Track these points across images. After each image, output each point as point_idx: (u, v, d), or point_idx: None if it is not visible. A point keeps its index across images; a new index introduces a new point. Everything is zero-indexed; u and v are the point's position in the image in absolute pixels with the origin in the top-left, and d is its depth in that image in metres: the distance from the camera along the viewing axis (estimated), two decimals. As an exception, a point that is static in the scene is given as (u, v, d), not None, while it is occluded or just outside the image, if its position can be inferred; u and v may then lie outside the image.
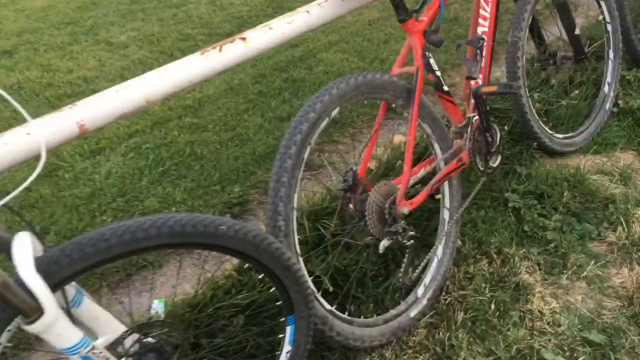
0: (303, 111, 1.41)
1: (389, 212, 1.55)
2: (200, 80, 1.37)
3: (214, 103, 2.71)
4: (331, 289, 1.61)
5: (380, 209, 1.55)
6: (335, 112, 1.48)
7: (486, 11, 1.95)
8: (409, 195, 1.67)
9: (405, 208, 1.56)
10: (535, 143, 2.31)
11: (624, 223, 2.02)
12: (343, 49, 3.14)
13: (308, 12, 1.54)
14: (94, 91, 1.30)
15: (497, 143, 1.92)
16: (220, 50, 1.37)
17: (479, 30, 1.95)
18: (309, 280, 1.40)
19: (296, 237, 1.42)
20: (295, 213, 1.42)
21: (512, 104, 2.27)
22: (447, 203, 1.85)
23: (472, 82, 1.94)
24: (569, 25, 2.25)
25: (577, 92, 2.55)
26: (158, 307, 1.58)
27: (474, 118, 1.83)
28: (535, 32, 2.32)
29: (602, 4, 2.46)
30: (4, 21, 4.06)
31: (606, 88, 2.58)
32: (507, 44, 2.14)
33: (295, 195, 1.41)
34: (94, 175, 2.26)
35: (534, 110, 2.26)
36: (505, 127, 2.29)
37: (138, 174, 2.24)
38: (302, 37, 3.07)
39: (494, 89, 1.68)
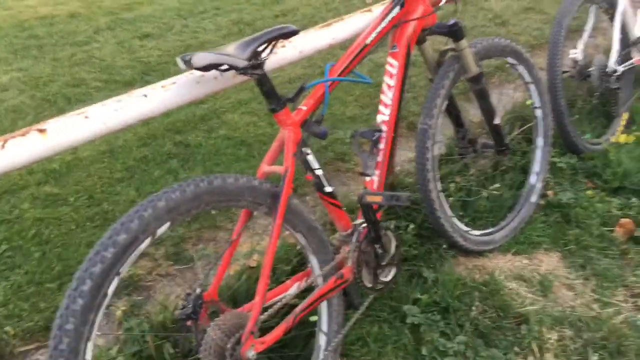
0: (112, 231, 1.11)
1: (231, 354, 1.25)
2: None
3: (86, 169, 2.38)
4: None
5: (220, 350, 1.25)
6: (163, 229, 1.19)
7: (387, 97, 1.74)
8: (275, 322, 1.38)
9: (251, 350, 1.27)
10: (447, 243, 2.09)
11: (536, 350, 1.79)
12: (253, 110, 2.89)
13: (145, 96, 1.27)
14: None
15: (392, 254, 1.68)
16: (2, 146, 1.07)
17: (379, 118, 1.74)
18: None
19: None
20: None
21: (420, 197, 2.06)
22: (324, 326, 1.57)
23: (367, 179, 1.71)
24: (488, 113, 2.08)
25: (498, 183, 2.38)
26: None
27: (361, 226, 1.58)
28: (453, 116, 2.14)
29: (531, 87, 2.32)
30: None
31: (533, 178, 2.42)
32: (417, 131, 1.95)
33: (90, 347, 1.08)
34: None
35: (445, 206, 2.04)
36: (411, 226, 2.06)
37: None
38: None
39: (378, 199, 1.44)
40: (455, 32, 1.86)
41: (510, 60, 2.19)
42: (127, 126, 1.23)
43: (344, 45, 1.72)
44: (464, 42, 1.89)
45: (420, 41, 1.92)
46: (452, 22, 1.85)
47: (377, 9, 1.80)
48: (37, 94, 3.04)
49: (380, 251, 1.60)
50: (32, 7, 4.45)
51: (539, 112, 2.38)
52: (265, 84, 1.38)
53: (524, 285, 2.08)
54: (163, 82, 1.31)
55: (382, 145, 1.71)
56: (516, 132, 2.77)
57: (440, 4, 1.85)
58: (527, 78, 2.29)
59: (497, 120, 2.09)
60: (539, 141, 2.42)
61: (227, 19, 4.19)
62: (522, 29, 4.41)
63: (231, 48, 1.28)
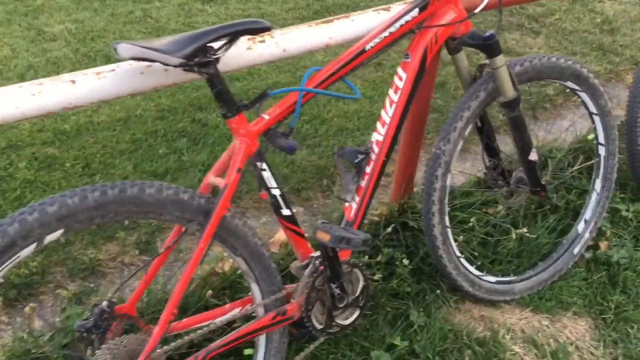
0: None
1: (119, 385, 1.14)
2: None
3: (94, 134, 2.36)
4: None
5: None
6: (53, 237, 1.08)
7: (387, 114, 1.51)
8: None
9: (142, 387, 1.14)
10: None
11: None
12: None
13: (73, 82, 1.15)
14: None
15: (356, 295, 1.48)
16: None
17: (373, 137, 1.51)
18: None
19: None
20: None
21: (424, 229, 1.81)
22: (260, 364, 1.42)
23: (346, 204, 1.51)
24: (523, 147, 1.77)
25: (539, 224, 2.06)
26: None
27: (317, 260, 1.39)
28: (484, 140, 1.85)
29: (596, 119, 1.96)
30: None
31: (581, 226, 2.07)
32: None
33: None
34: None
35: (452, 244, 1.79)
36: (405, 261, 1.83)
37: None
38: (244, 71, 2.71)
39: (325, 237, 1.24)
40: (489, 47, 1.57)
41: (570, 85, 1.85)
42: (47, 113, 1.13)
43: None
44: (499, 59, 1.59)
45: (453, 50, 1.66)
46: (488, 34, 1.56)
47: (398, 8, 1.56)
48: (81, 48, 3.08)
49: (337, 292, 1.41)
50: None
51: (602, 150, 2.02)
52: (216, 85, 1.22)
53: (533, 352, 1.80)
54: (100, 68, 1.19)
55: (369, 169, 1.49)
56: (577, 166, 2.41)
57: (477, 10, 1.56)
58: (592, 108, 1.94)
59: (532, 157, 1.78)
60: (597, 184, 2.06)
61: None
62: (632, 40, 3.84)
63: (166, 41, 1.12)
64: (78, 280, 1.70)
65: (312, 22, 1.46)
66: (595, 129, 2.00)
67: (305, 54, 1.46)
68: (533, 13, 4.07)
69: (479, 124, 1.80)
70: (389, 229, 1.93)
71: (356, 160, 1.46)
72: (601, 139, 2.00)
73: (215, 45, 1.20)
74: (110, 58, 2.99)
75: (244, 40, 1.34)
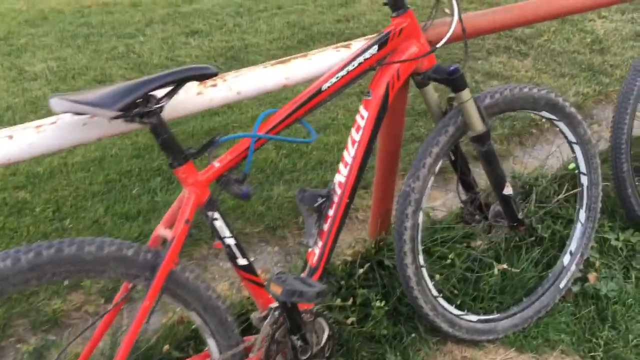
0: None
1: None
2: None
3: (67, 176, 2.33)
4: None
5: None
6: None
7: (349, 154, 1.47)
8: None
9: None
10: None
11: None
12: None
13: (11, 137, 1.12)
14: None
15: (322, 345, 1.42)
16: None
17: (335, 178, 1.47)
18: None
19: None
20: None
21: (397, 269, 1.76)
22: (220, 422, 1.36)
23: (309, 249, 1.46)
24: (496, 182, 1.72)
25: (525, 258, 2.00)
26: None
27: (276, 311, 1.33)
28: (458, 172, 1.80)
29: (577, 148, 1.91)
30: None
31: (567, 259, 2.01)
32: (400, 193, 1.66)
33: None
34: None
35: (428, 284, 1.73)
36: (377, 303, 1.77)
37: None
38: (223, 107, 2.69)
39: (277, 290, 1.19)
40: (454, 81, 1.54)
41: (545, 114, 1.80)
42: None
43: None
44: (465, 94, 1.56)
45: (420, 84, 1.62)
46: (452, 68, 1.53)
47: (358, 44, 1.53)
48: (62, 86, 3.09)
49: (300, 343, 1.35)
50: (100, -8, 4.61)
51: (584, 180, 1.97)
52: (161, 134, 1.19)
53: (518, 395, 1.72)
54: (41, 121, 1.16)
55: (331, 212, 1.45)
56: (563, 194, 2.35)
57: (439, 44, 1.53)
58: (571, 137, 1.89)
59: (507, 191, 1.73)
60: (581, 214, 2.00)
61: (284, 20, 4.04)
62: (623, 60, 3.80)
63: (103, 92, 1.09)
64: (40, 333, 1.65)
65: (268, 62, 1.44)
66: (575, 158, 1.95)
67: (262, 95, 1.43)
68: (521, 35, 4.05)
69: (452, 158, 1.76)
70: (365, 268, 1.88)
71: (316, 204, 1.41)
72: (583, 168, 1.95)
73: (159, 93, 1.17)
74: (89, 96, 2.99)
75: (193, 85, 1.32)
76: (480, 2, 4.74)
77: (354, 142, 1.47)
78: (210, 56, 3.46)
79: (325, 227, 1.45)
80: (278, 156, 2.51)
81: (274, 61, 1.45)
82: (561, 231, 2.20)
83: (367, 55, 1.43)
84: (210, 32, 3.81)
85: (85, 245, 1.12)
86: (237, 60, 3.44)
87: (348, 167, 1.46)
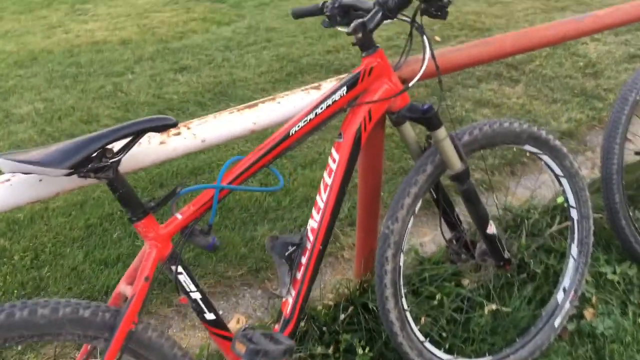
0: None
1: None
2: None
3: (48, 221, 2.30)
4: None
5: None
6: None
7: (322, 199, 1.43)
8: None
9: None
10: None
11: None
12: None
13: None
14: None
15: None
16: None
17: (308, 225, 1.43)
18: None
19: None
20: None
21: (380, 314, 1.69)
22: None
23: (283, 299, 1.41)
24: (478, 221, 1.67)
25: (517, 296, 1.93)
26: None
27: (245, 369, 1.27)
28: (441, 210, 1.76)
29: (564, 181, 1.86)
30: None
31: (560, 296, 1.94)
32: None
33: None
34: None
35: (413, 329, 1.66)
36: (360, 351, 1.70)
37: None
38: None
39: (241, 349, 1.14)
40: (428, 120, 1.50)
41: (529, 148, 1.76)
42: None
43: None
44: (441, 132, 1.52)
45: (396, 123, 1.59)
46: (425, 106, 1.50)
47: (328, 85, 1.50)
48: (47, 129, 3.08)
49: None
50: (90, 31, 4.65)
51: (574, 213, 1.91)
52: (117, 189, 1.15)
53: None
54: (-5, 179, 1.13)
55: (304, 260, 1.40)
56: (556, 226, 2.29)
57: (411, 83, 1.50)
58: (557, 171, 1.84)
59: (490, 230, 1.67)
60: (573, 249, 1.94)
61: (273, 53, 4.05)
62: (616, 83, 3.78)
63: (52, 149, 1.06)
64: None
65: (234, 107, 1.41)
66: (563, 191, 1.90)
67: (229, 141, 1.40)
68: (512, 61, 4.04)
69: (434, 195, 1.71)
70: (349, 312, 1.82)
71: (287, 253, 1.36)
72: (572, 202, 1.90)
73: (115, 146, 1.14)
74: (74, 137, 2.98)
75: (156, 135, 1.29)
76: (471, 29, 4.76)
77: (326, 186, 1.43)
78: (198, 92, 3.46)
79: (299, 275, 1.40)
80: (262, 194, 2.48)
81: (241, 106, 1.42)
82: (555, 266, 2.14)
83: (335, 97, 1.40)
84: (199, 68, 3.82)
85: (38, 309, 1.07)
86: (225, 95, 3.44)
87: (320, 212, 1.42)
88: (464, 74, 3.76)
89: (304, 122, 1.36)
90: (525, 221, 2.34)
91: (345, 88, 1.41)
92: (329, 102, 1.39)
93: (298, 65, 3.84)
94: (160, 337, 1.22)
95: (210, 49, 4.17)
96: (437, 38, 4.56)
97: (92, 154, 1.08)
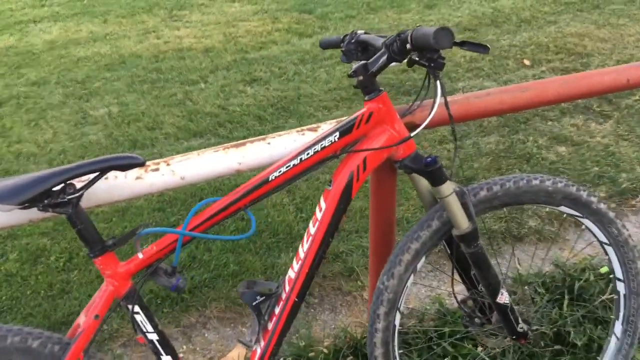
0: None
1: None
2: None
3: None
4: None
5: None
6: None
7: (303, 249, 1.36)
8: None
9: None
10: None
11: None
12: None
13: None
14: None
15: None
16: None
17: (287, 274, 1.36)
18: None
19: None
20: None
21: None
22: None
23: (253, 349, 1.35)
24: (488, 289, 1.50)
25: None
26: None
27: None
28: (454, 267, 1.60)
29: (609, 250, 1.63)
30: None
31: (595, 379, 1.71)
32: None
33: None
34: None
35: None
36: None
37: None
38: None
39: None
40: (431, 174, 1.37)
41: (566, 210, 1.56)
42: None
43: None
44: (445, 188, 1.38)
45: (406, 171, 1.47)
46: (429, 159, 1.37)
47: (327, 127, 1.42)
48: (115, 132, 3.26)
49: None
50: (179, 37, 4.87)
51: (621, 287, 1.68)
52: (76, 224, 1.16)
53: None
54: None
55: (277, 310, 1.34)
56: (607, 295, 2.02)
57: (414, 132, 1.37)
58: (601, 237, 1.62)
59: (502, 299, 1.50)
60: (617, 327, 1.70)
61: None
62: None
63: (9, 183, 1.09)
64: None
65: (220, 146, 1.38)
66: (609, 261, 1.66)
67: (212, 179, 1.37)
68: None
69: (448, 250, 1.57)
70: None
71: (254, 303, 1.31)
72: (618, 274, 1.66)
73: (78, 182, 1.15)
74: (135, 144, 3.13)
75: (134, 169, 1.29)
76: (569, 53, 4.38)
77: (309, 236, 1.36)
78: (261, 106, 3.49)
79: (270, 325, 1.34)
80: (296, 219, 2.43)
81: (229, 144, 1.39)
82: (600, 339, 1.89)
83: (325, 143, 1.32)
84: (269, 80, 3.86)
85: (-15, 335, 1.11)
86: (286, 110, 3.44)
87: (300, 263, 1.35)
88: (546, 104, 3.45)
89: (287, 167, 1.30)
90: (576, 282, 2.09)
91: (337, 134, 1.33)
92: (317, 148, 1.32)
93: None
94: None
95: (285, 61, 4.21)
96: (527, 62, 4.25)
97: (51, 189, 1.10)
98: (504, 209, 1.56)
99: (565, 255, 2.31)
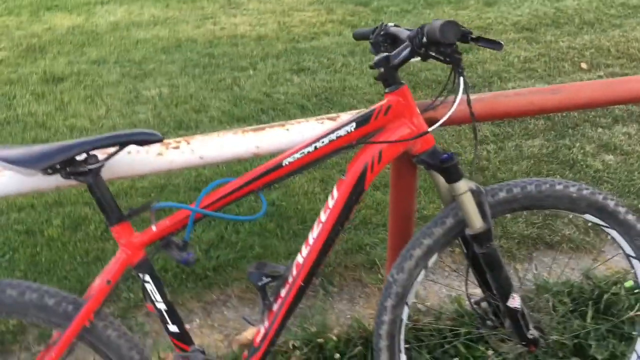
0: None
1: None
2: None
3: (129, 200, 2.53)
4: None
5: None
6: None
7: (312, 235, 1.38)
8: None
9: None
10: None
11: None
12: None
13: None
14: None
15: None
16: None
17: (297, 258, 1.39)
18: None
19: None
20: None
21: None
22: None
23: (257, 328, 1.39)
24: (499, 291, 1.47)
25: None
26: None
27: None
28: (468, 267, 1.58)
29: (636, 264, 1.57)
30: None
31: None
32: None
33: None
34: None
35: (408, 390, 1.54)
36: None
37: None
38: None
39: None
40: (446, 170, 1.36)
41: (590, 218, 1.50)
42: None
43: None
44: (460, 186, 1.37)
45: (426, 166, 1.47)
46: (445, 155, 1.36)
47: (347, 117, 1.43)
48: (163, 113, 3.38)
49: None
50: (234, 24, 4.97)
51: (648, 303, 1.60)
52: (96, 193, 1.23)
53: None
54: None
55: (283, 292, 1.37)
56: (635, 311, 1.93)
57: (431, 128, 1.36)
58: (628, 250, 1.55)
59: (512, 303, 1.47)
60: (639, 345, 1.63)
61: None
62: None
63: (35, 150, 1.16)
64: None
65: (239, 129, 1.41)
66: (635, 276, 1.59)
67: (229, 161, 1.41)
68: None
69: (465, 250, 1.55)
70: (355, 351, 1.74)
71: (260, 283, 1.34)
72: (646, 289, 1.59)
73: (100, 154, 1.22)
74: (181, 124, 3.23)
75: (156, 145, 1.34)
76: (630, 58, 4.16)
77: (319, 222, 1.38)
78: (305, 95, 3.53)
79: (275, 307, 1.37)
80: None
81: (248, 128, 1.42)
82: (625, 356, 1.81)
83: (341, 132, 1.33)
84: (316, 71, 3.89)
85: (7, 288, 1.19)
86: (329, 101, 3.46)
87: (308, 248, 1.37)
88: (598, 110, 3.31)
89: (301, 154, 1.32)
90: (604, 295, 2.01)
91: (354, 124, 1.34)
92: (333, 136, 1.33)
93: (414, 79, 3.70)
94: (119, 337, 1.28)
95: (335, 53, 4.22)
96: (584, 65, 4.07)
97: (74, 157, 1.17)
98: (524, 212, 1.52)
99: (598, 267, 2.23)
